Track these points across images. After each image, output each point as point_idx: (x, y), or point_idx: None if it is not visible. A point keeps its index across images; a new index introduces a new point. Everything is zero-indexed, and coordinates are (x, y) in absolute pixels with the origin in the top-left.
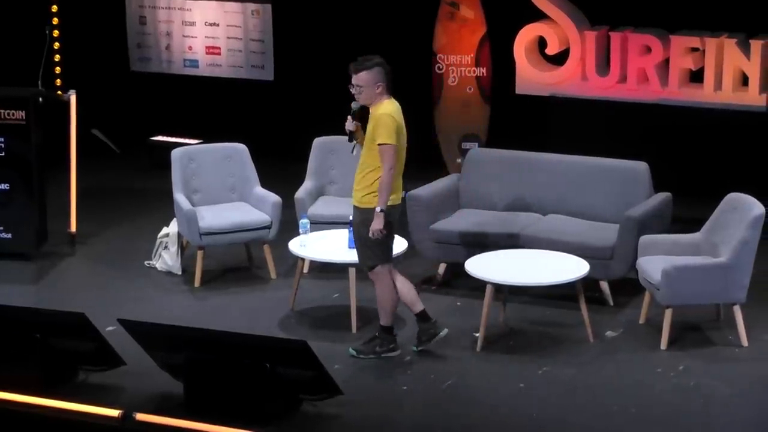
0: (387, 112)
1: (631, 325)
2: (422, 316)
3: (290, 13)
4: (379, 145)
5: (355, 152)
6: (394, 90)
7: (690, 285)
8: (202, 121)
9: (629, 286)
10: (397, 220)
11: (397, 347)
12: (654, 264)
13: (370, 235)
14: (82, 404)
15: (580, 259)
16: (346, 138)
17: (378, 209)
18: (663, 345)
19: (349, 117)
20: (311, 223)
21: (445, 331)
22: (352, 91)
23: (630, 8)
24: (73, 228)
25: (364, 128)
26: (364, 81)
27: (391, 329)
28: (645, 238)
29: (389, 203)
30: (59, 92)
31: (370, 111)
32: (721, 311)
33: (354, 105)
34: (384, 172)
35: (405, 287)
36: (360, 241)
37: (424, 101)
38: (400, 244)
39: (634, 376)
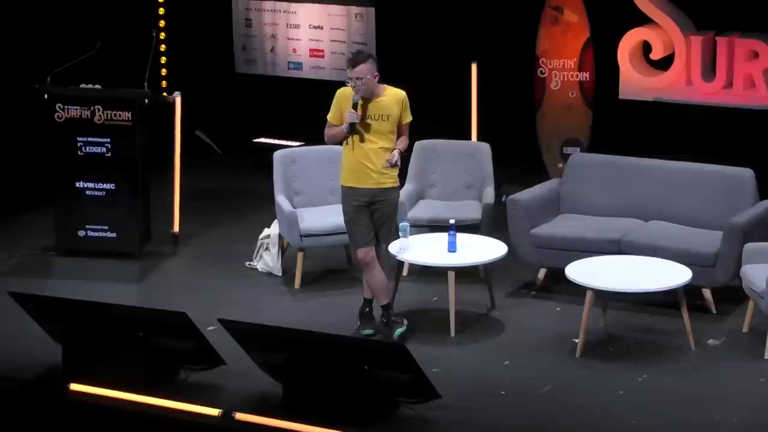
0: (403, 92)
1: (734, 333)
2: None
3: (393, 17)
4: (409, 123)
5: (348, 143)
6: (496, 94)
7: None
8: (305, 123)
9: (733, 294)
10: None
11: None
12: (758, 272)
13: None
14: (183, 403)
15: (683, 266)
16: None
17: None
18: (767, 354)
19: (352, 110)
20: (411, 226)
21: None
22: (351, 84)
23: (737, 13)
24: (176, 228)
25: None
26: (363, 73)
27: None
28: (749, 246)
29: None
30: (165, 94)
31: (378, 99)
32: None
33: (355, 98)
34: (407, 142)
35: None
36: (393, 220)
37: (526, 105)
38: (499, 249)
39: (737, 386)
